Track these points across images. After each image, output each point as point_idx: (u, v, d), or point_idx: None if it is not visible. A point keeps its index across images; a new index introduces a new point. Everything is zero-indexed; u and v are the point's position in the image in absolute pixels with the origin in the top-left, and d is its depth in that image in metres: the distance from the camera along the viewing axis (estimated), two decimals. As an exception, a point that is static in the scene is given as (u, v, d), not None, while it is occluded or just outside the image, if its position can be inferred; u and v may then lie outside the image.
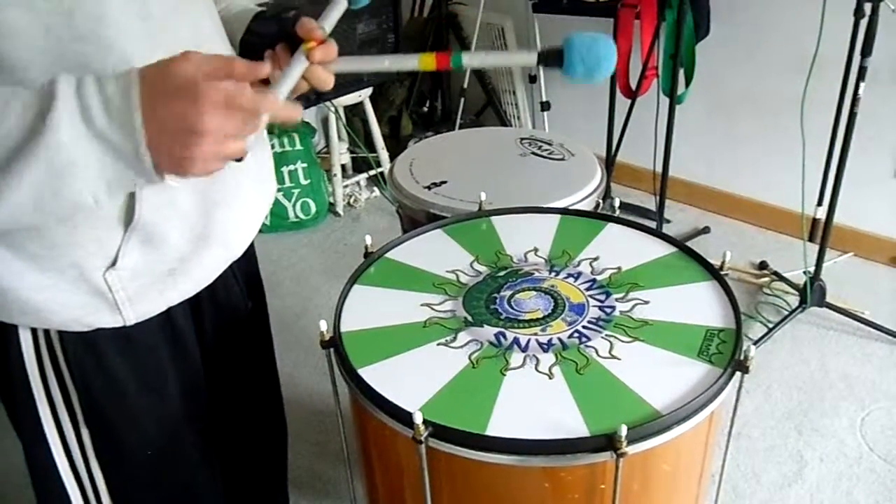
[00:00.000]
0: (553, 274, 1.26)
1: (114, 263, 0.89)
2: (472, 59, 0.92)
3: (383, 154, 3.27)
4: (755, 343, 2.30)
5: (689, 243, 1.31)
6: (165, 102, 0.71)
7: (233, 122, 0.73)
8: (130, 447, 1.05)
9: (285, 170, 3.02)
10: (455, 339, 1.12)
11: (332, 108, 3.04)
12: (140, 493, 1.09)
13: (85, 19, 0.79)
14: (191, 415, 1.10)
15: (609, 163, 2.80)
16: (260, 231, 3.07)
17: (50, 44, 0.78)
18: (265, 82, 0.82)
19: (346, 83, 2.98)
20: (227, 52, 1.00)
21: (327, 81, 0.88)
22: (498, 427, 0.96)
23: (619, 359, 1.07)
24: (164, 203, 0.90)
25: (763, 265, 2.69)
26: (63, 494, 1.02)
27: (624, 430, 0.91)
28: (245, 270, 1.18)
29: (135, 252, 0.90)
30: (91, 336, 0.94)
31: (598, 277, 1.24)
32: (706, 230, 2.95)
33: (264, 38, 0.96)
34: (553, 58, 0.90)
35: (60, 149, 0.70)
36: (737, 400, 1.10)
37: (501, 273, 1.26)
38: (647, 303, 1.18)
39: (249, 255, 1.20)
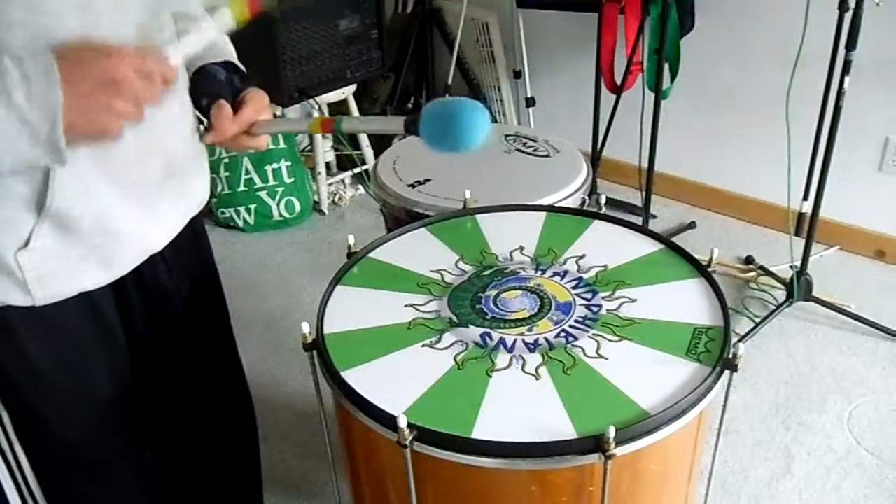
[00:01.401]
0: (539, 272, 1.24)
1: (26, 244, 0.91)
2: (350, 125, 1.00)
3: (368, 152, 3.25)
4: (742, 338, 2.30)
5: (674, 239, 1.30)
6: (82, 65, 0.78)
7: (143, 80, 0.81)
8: (53, 430, 1.04)
9: (269, 168, 2.99)
10: (440, 340, 1.10)
11: (316, 106, 3.01)
12: (67, 477, 1.09)
13: (20, 5, 0.80)
14: (119, 399, 1.10)
15: (595, 159, 2.79)
16: (243, 230, 3.06)
17: None
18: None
19: (330, 80, 2.96)
20: (158, 29, 1.01)
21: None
22: (484, 430, 0.95)
23: (606, 358, 1.06)
24: (79, 191, 0.91)
25: (749, 260, 2.69)
26: None
27: (612, 432, 0.90)
28: (187, 258, 1.17)
29: (48, 236, 0.91)
30: (1, 315, 0.95)
31: (585, 276, 1.23)
32: (692, 225, 2.94)
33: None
34: (414, 126, 0.91)
35: None
36: (726, 398, 1.09)
37: (487, 272, 1.25)
38: (634, 301, 1.17)
39: (199, 244, 1.21)
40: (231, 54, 1.13)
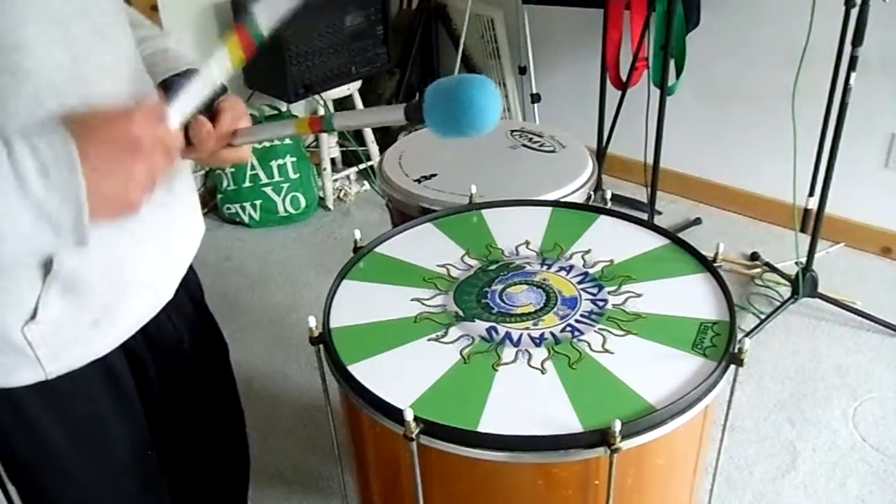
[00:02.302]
0: (545, 267, 1.24)
1: (33, 316, 0.84)
2: (343, 120, 0.90)
3: (373, 147, 3.25)
4: (747, 334, 2.29)
5: (680, 235, 1.30)
6: (96, 134, 0.72)
7: (161, 138, 0.76)
8: (65, 502, 1.00)
9: (274, 164, 3.00)
10: (446, 334, 1.11)
11: (321, 102, 3.02)
12: None
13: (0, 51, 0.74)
14: (137, 462, 1.05)
15: (600, 154, 2.79)
16: (249, 226, 3.06)
17: None
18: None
19: (335, 76, 2.97)
20: (147, 81, 0.96)
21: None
22: (490, 423, 0.95)
23: (612, 353, 1.06)
24: (84, 249, 0.81)
25: (754, 256, 2.69)
26: None
27: (618, 426, 0.90)
28: (181, 299, 1.09)
29: (56, 304, 0.84)
30: (8, 390, 0.88)
31: (591, 270, 1.23)
32: (697, 221, 2.94)
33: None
34: (416, 111, 0.82)
35: None
36: (731, 393, 1.09)
37: (493, 267, 1.25)
38: (639, 296, 1.17)
39: (192, 291, 1.15)
40: (191, 60, 1.02)
